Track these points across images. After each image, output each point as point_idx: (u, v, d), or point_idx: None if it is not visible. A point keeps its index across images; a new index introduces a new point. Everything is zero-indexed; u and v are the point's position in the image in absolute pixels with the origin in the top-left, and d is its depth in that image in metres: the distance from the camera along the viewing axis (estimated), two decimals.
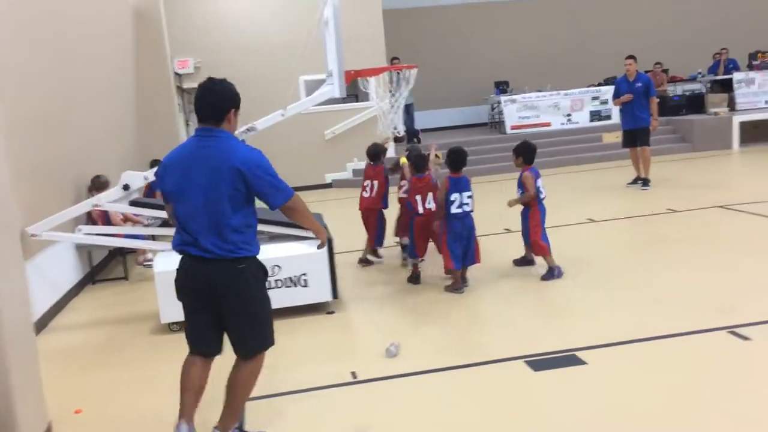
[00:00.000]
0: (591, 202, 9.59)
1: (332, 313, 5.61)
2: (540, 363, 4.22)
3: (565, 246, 6.72)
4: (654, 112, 10.17)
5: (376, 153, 7.04)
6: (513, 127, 15.13)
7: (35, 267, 5.93)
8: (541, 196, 6.09)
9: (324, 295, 5.57)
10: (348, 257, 7.13)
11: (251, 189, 3.19)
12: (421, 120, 16.52)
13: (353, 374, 4.31)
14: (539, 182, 6.09)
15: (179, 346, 5.13)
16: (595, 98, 15.27)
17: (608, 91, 14.02)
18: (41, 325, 5.80)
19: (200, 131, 3.26)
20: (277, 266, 5.32)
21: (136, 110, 11.06)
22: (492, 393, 3.93)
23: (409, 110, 14.15)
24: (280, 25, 13.77)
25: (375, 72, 6.94)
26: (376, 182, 6.89)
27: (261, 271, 3.37)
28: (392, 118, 7.09)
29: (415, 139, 14.49)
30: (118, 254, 7.83)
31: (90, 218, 7.22)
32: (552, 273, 5.99)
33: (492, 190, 9.25)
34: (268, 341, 3.42)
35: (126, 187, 5.80)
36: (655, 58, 17.17)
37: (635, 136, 10.28)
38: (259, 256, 3.38)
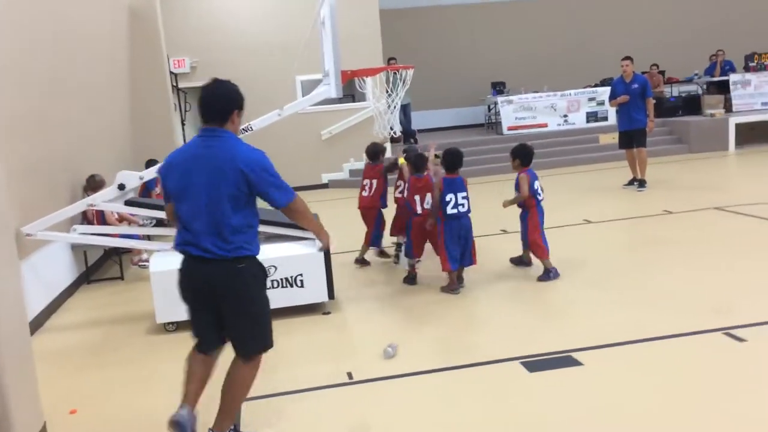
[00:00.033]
0: (587, 203, 9.60)
1: (328, 313, 5.60)
2: (536, 364, 4.22)
3: (562, 247, 6.73)
4: (650, 114, 10.20)
5: (375, 152, 7.05)
6: (510, 128, 15.14)
7: (30, 267, 5.91)
8: (539, 198, 6.09)
9: (320, 296, 5.56)
10: (344, 257, 7.13)
11: (254, 189, 3.20)
12: (418, 120, 16.52)
13: (349, 375, 4.31)
14: (537, 184, 6.10)
15: (175, 346, 5.15)
16: (591, 99, 15.30)
17: (605, 92, 14.07)
18: (36, 325, 5.78)
19: (204, 131, 3.28)
20: (273, 266, 5.32)
21: (132, 110, 11.04)
22: (487, 394, 3.92)
23: (405, 111, 14.15)
24: (277, 25, 13.77)
25: (372, 72, 6.92)
26: (375, 181, 6.89)
27: (261, 271, 3.37)
28: (389, 118, 7.07)
29: (412, 140, 14.49)
30: (114, 254, 7.82)
31: (85, 218, 7.20)
32: (548, 274, 5.99)
33: (489, 191, 9.25)
34: (267, 342, 3.42)
35: (121, 187, 5.79)
36: (652, 59, 17.21)
37: (632, 138, 10.30)
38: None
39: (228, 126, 3.27)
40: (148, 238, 8.18)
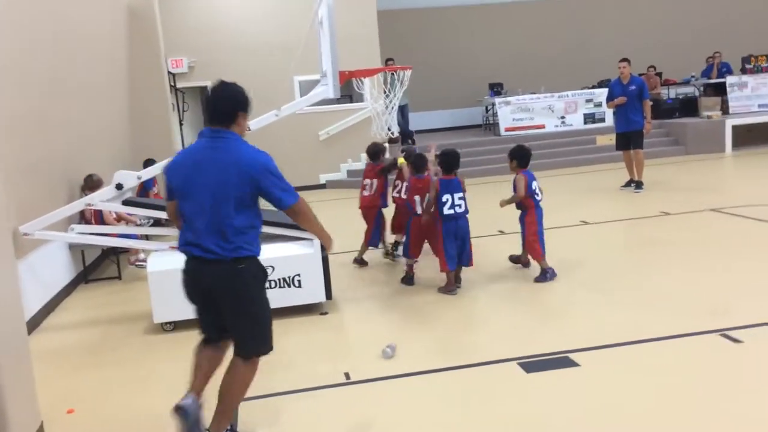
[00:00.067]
0: (584, 205, 9.62)
1: (326, 314, 5.61)
2: (533, 365, 4.23)
3: (559, 248, 6.74)
4: (647, 115, 10.21)
5: (375, 152, 7.07)
6: (507, 129, 15.15)
7: (28, 266, 5.91)
8: (537, 199, 6.09)
9: (317, 296, 5.57)
10: (342, 258, 7.13)
11: (258, 191, 3.24)
12: (416, 121, 16.53)
13: (347, 375, 4.31)
14: (534, 185, 6.10)
15: (172, 346, 5.16)
16: (588, 101, 15.31)
17: (602, 93, 14.08)
18: (33, 324, 5.78)
19: (209, 132, 3.32)
20: (271, 267, 5.31)
21: (130, 109, 11.03)
22: (484, 394, 3.93)
23: (403, 111, 14.16)
24: (275, 25, 13.77)
25: (369, 73, 6.95)
26: (375, 181, 6.90)
27: (261, 272, 3.39)
28: (386, 119, 7.09)
29: (410, 141, 14.49)
30: (112, 254, 7.81)
31: (83, 217, 7.20)
32: (545, 275, 6.00)
33: (486, 191, 9.26)
34: (267, 344, 3.44)
35: (119, 187, 5.79)
36: (649, 61, 17.24)
37: (629, 139, 10.32)
38: None
39: (233, 128, 3.31)
40: (146, 237, 8.18)
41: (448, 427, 3.57)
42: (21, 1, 6.49)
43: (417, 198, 6.11)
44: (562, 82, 17.50)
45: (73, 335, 5.68)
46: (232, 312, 3.34)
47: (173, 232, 6.51)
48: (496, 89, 17.76)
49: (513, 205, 6.20)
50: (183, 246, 3.36)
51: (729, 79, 14.85)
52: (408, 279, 6.27)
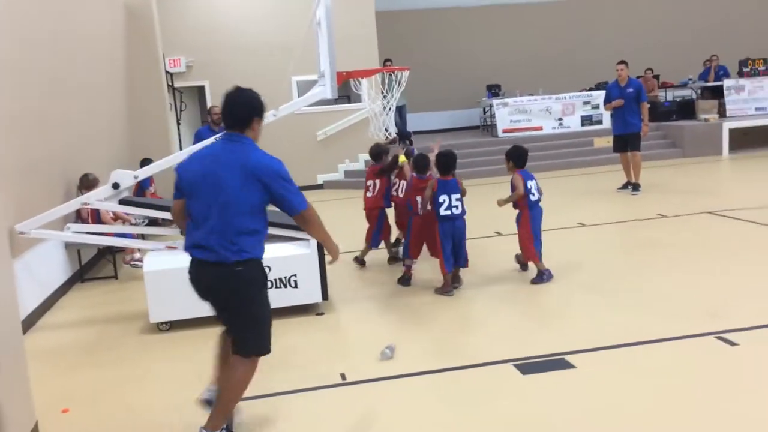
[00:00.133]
0: (582, 207, 9.63)
1: (322, 314, 5.60)
2: (529, 366, 4.23)
3: (556, 250, 6.74)
4: (645, 118, 10.23)
5: (377, 153, 7.06)
6: (505, 131, 15.16)
7: (24, 265, 5.90)
8: (533, 199, 6.08)
9: (314, 297, 5.56)
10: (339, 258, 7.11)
11: (269, 195, 3.30)
12: (413, 122, 16.52)
13: (342, 375, 4.31)
14: (530, 184, 6.09)
15: (169, 345, 5.16)
16: (586, 103, 15.33)
17: (599, 95, 14.10)
18: (29, 323, 5.77)
19: (226, 135, 3.42)
20: (267, 267, 5.27)
21: (127, 109, 11.02)
22: (480, 396, 3.93)
23: (401, 112, 14.16)
24: (273, 25, 13.77)
25: (367, 73, 6.94)
26: (377, 182, 6.90)
27: (261, 274, 3.43)
28: (384, 119, 7.09)
29: (408, 141, 14.50)
30: (108, 253, 7.80)
31: (79, 217, 7.18)
32: (541, 276, 6.00)
33: (484, 193, 9.25)
34: (266, 344, 3.48)
35: (116, 186, 5.78)
36: (647, 63, 17.28)
37: (626, 141, 10.34)
38: None
39: (248, 132, 3.40)
40: (142, 237, 8.17)
41: (444, 428, 3.57)
42: (20, 1, 6.48)
43: (419, 198, 6.11)
44: (559, 84, 17.53)
45: (69, 334, 5.67)
46: (231, 311, 3.42)
47: (169, 231, 6.52)
48: (494, 91, 17.79)
49: (510, 207, 6.20)
50: (188, 248, 3.41)
51: (726, 82, 14.90)
52: (405, 280, 6.27)
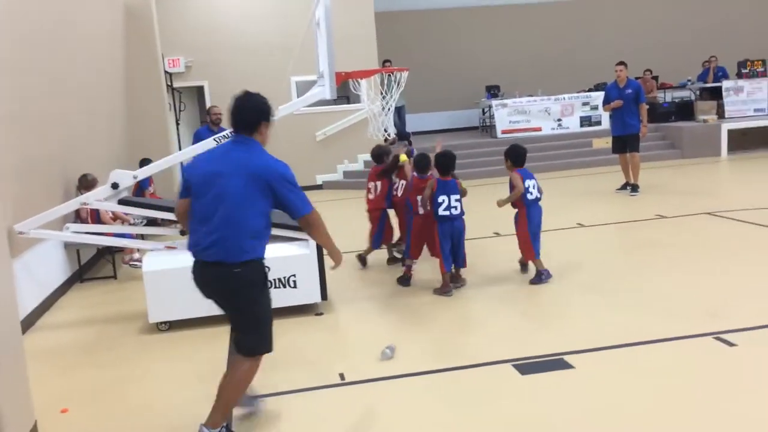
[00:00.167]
0: (580, 207, 9.63)
1: (321, 314, 5.61)
2: (527, 366, 4.24)
3: (555, 250, 6.75)
4: (644, 119, 10.24)
5: (379, 154, 7.08)
6: (504, 132, 15.17)
7: (23, 265, 5.90)
8: (530, 197, 6.07)
9: (313, 297, 5.57)
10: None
11: (274, 198, 3.34)
12: (413, 123, 16.54)
13: (341, 375, 4.31)
14: (528, 183, 6.08)
15: (168, 345, 5.16)
16: (585, 104, 15.34)
17: (598, 96, 14.10)
18: (28, 323, 5.77)
19: (234, 138, 3.48)
20: (266, 267, 5.30)
21: (126, 109, 11.01)
22: (479, 396, 3.93)
23: (400, 113, 14.17)
24: (272, 25, 13.78)
25: (366, 74, 6.93)
26: (379, 183, 6.90)
27: (261, 274, 3.46)
28: (383, 120, 7.09)
29: (406, 142, 14.50)
30: (107, 253, 7.80)
31: (79, 217, 7.18)
32: (540, 277, 6.01)
33: (482, 193, 9.26)
34: (266, 343, 3.51)
35: (115, 186, 5.79)
36: (645, 65, 17.30)
37: (625, 142, 10.35)
38: None
39: (256, 136, 3.46)
40: (142, 237, 8.17)
41: (444, 428, 3.57)
42: (20, 1, 6.48)
43: (419, 198, 6.11)
44: (558, 85, 17.55)
45: (68, 334, 5.67)
46: (232, 311, 3.47)
47: (168, 231, 6.52)
48: (493, 91, 17.80)
49: (510, 207, 6.20)
50: (191, 248, 3.44)
51: (725, 84, 14.92)
52: (404, 280, 6.28)
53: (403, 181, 6.63)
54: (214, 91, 13.72)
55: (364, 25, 14.04)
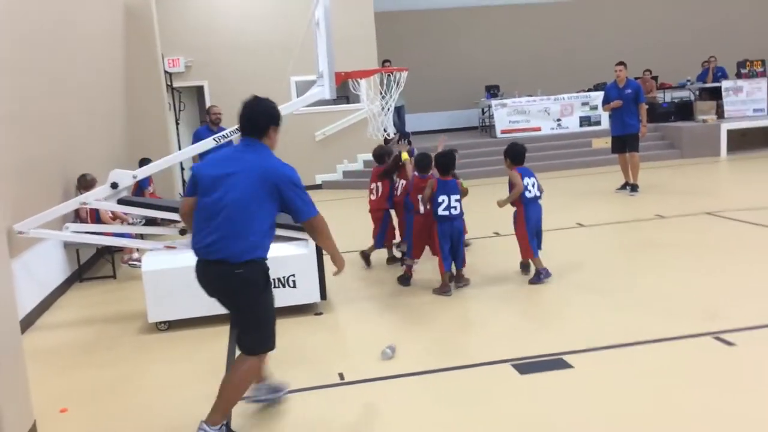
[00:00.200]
0: (580, 207, 9.63)
1: (320, 314, 5.60)
2: (527, 366, 4.24)
3: (554, 250, 6.74)
4: (643, 119, 10.25)
5: (380, 155, 7.08)
6: (503, 131, 15.18)
7: (22, 264, 5.90)
8: (528, 196, 6.06)
9: (312, 296, 5.57)
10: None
11: (280, 201, 3.38)
12: (413, 123, 16.55)
13: (341, 375, 4.31)
14: (527, 181, 6.07)
15: (167, 345, 5.16)
16: (584, 104, 15.36)
17: (598, 96, 14.12)
18: (28, 323, 5.77)
19: (243, 141, 3.53)
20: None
21: (126, 108, 11.01)
22: (478, 396, 3.93)
23: (399, 113, 14.17)
24: (272, 25, 13.78)
25: (366, 74, 6.92)
26: (380, 184, 6.90)
27: (262, 274, 3.49)
28: (383, 120, 7.08)
29: (406, 142, 14.50)
30: (106, 253, 7.80)
31: (78, 216, 7.18)
32: (539, 276, 6.01)
33: (482, 193, 9.27)
34: (267, 342, 3.55)
35: (114, 185, 5.78)
36: (645, 65, 17.30)
37: (624, 142, 10.35)
38: None
39: (264, 140, 3.52)
40: (141, 236, 8.16)
41: (443, 428, 3.57)
42: (20, 1, 6.48)
43: (420, 197, 6.10)
44: (558, 85, 17.56)
45: (68, 334, 5.67)
46: (233, 309, 3.52)
47: (168, 231, 6.52)
48: (493, 91, 17.81)
49: (509, 207, 6.20)
50: (194, 247, 3.46)
51: (724, 84, 14.93)
52: (405, 279, 6.28)
53: (403, 181, 6.63)
54: (213, 91, 13.72)
55: (364, 25, 14.05)
